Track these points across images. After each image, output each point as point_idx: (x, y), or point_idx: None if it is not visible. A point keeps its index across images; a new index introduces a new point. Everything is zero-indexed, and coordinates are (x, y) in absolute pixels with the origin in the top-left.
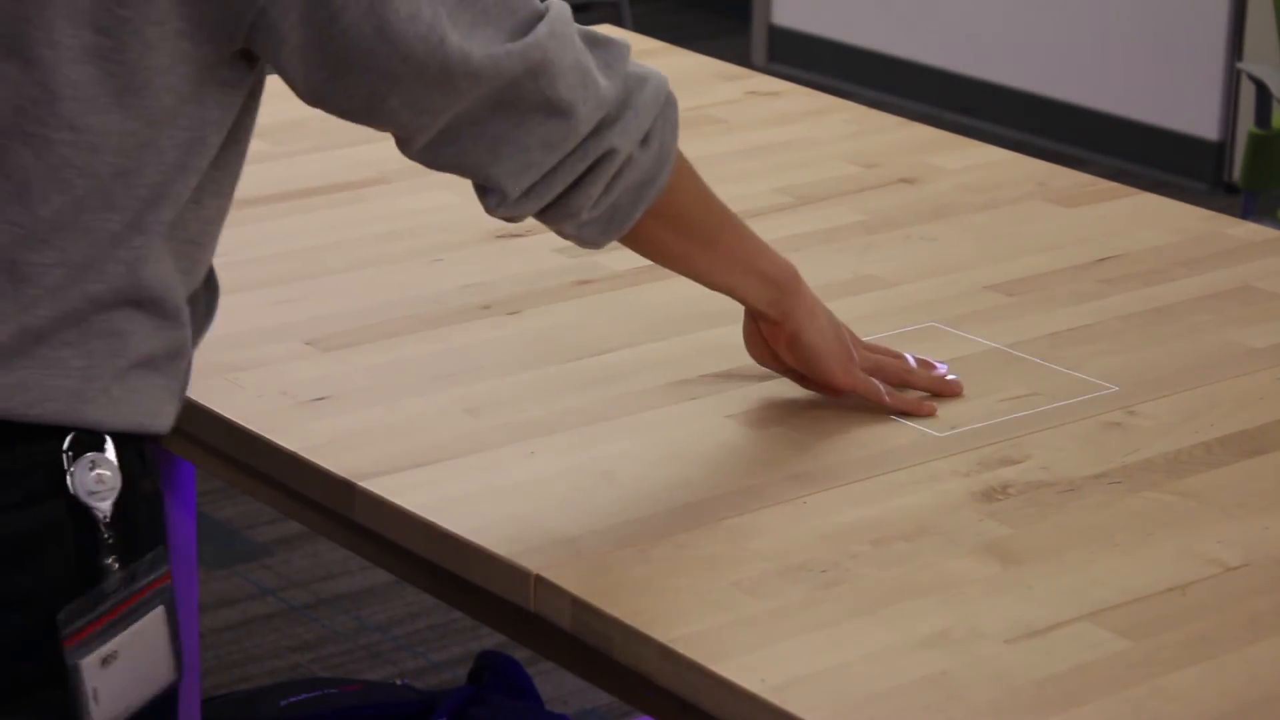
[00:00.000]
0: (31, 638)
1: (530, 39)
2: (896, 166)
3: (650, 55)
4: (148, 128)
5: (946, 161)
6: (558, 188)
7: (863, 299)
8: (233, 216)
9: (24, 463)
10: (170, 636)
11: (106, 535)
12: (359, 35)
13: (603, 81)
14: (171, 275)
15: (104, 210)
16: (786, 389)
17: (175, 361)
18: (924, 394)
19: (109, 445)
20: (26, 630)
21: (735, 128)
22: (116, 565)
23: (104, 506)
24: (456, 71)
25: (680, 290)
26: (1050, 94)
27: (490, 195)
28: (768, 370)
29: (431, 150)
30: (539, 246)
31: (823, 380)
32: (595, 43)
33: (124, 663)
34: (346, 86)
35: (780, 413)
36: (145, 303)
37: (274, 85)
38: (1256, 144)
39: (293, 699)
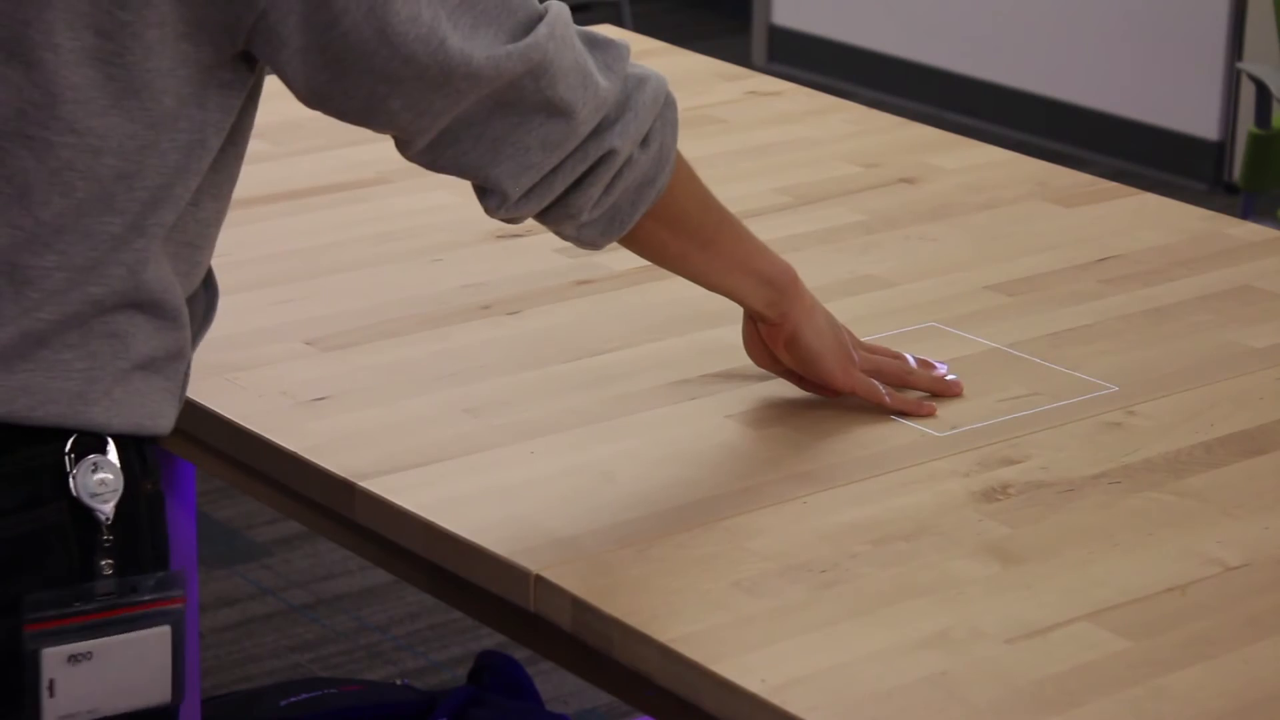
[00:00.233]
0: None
1: (530, 40)
2: (896, 166)
3: (650, 55)
4: (148, 130)
5: (946, 161)
6: (558, 189)
7: (863, 299)
8: (233, 216)
9: (27, 465)
10: (172, 659)
11: (106, 537)
12: (359, 38)
13: (603, 82)
14: (171, 277)
15: (105, 213)
16: (786, 389)
17: (175, 363)
18: (924, 394)
19: (111, 447)
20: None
21: (735, 128)
22: (111, 568)
23: (106, 509)
24: (457, 73)
25: (680, 290)
26: (1050, 94)
27: (490, 197)
28: (767, 371)
29: (431, 152)
30: (539, 246)
31: (821, 381)
32: (595, 44)
33: (98, 667)
34: (346, 88)
35: (780, 413)
36: (146, 305)
37: (274, 85)
38: (1256, 144)
39: (293, 699)
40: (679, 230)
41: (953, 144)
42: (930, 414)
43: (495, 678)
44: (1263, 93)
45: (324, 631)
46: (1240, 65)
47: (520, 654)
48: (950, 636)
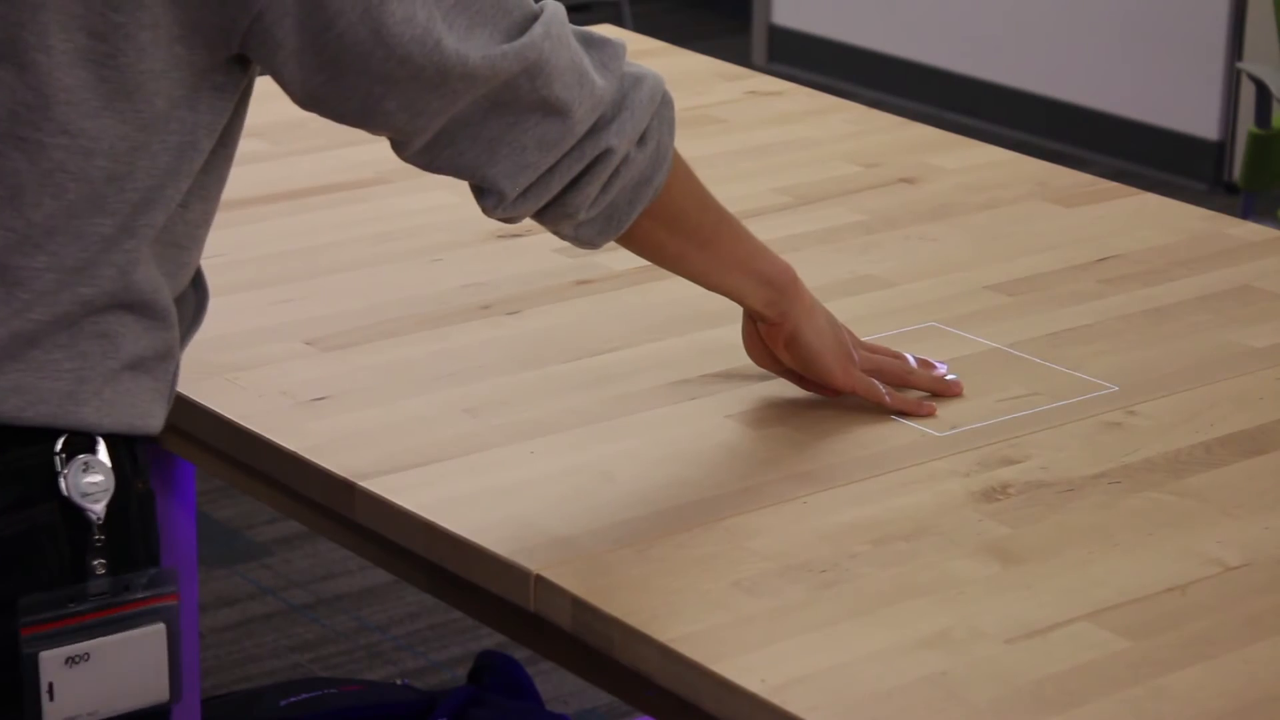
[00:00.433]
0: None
1: (526, 39)
2: (896, 166)
3: (650, 55)
4: (139, 132)
5: (946, 161)
6: (555, 188)
7: (863, 299)
8: (233, 216)
9: (17, 466)
10: (169, 656)
11: (98, 537)
12: (355, 39)
13: (599, 81)
14: (159, 278)
15: (95, 214)
16: (786, 389)
17: (164, 363)
18: (924, 394)
19: (101, 447)
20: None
21: (735, 128)
22: (104, 568)
23: (97, 509)
24: (453, 74)
25: (680, 290)
26: (1050, 94)
27: (487, 196)
28: (767, 371)
29: (428, 153)
30: (539, 246)
31: (821, 381)
32: (590, 43)
33: (96, 668)
34: (342, 90)
35: (780, 413)
36: (135, 305)
37: (274, 85)
38: (1256, 144)
39: (293, 699)
40: (677, 229)
41: (953, 144)
42: (930, 414)
43: (495, 678)
44: (1263, 93)
45: (324, 631)
46: (1240, 65)
47: (520, 654)
48: (950, 636)
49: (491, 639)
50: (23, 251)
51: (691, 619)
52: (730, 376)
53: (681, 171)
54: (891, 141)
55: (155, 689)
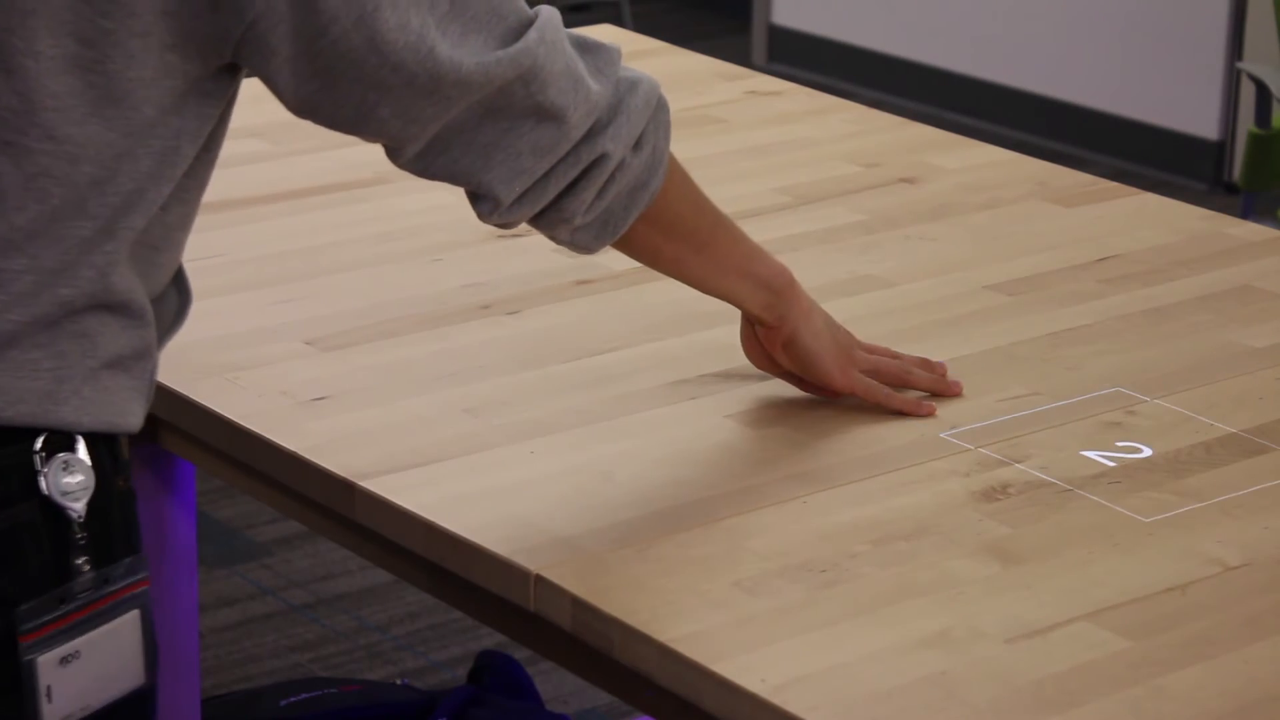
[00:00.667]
0: (7, 639)
1: (520, 45)
2: (896, 166)
3: (650, 55)
4: (125, 138)
5: (946, 161)
6: (551, 193)
7: (863, 299)
8: (233, 216)
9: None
10: (144, 641)
11: (80, 535)
12: (348, 46)
13: (594, 86)
14: (135, 278)
15: (77, 218)
16: (786, 389)
17: (142, 361)
18: (923, 394)
19: (81, 446)
20: (2, 632)
21: (735, 128)
22: (88, 566)
23: (78, 507)
24: (447, 80)
25: (680, 290)
26: (1050, 94)
27: (483, 202)
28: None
29: (422, 160)
30: (539, 246)
31: (820, 383)
32: (585, 48)
33: (86, 663)
34: (336, 97)
35: (780, 413)
36: (114, 305)
37: None
38: (1256, 144)
39: (293, 699)
40: (673, 234)
41: (953, 144)
42: (930, 414)
43: (495, 678)
44: (1263, 93)
45: (324, 631)
46: (1240, 65)
47: (520, 654)
48: (950, 636)
49: (491, 639)
50: (2, 254)
51: (691, 619)
52: (730, 376)
53: (677, 175)
54: (891, 141)
55: (132, 675)
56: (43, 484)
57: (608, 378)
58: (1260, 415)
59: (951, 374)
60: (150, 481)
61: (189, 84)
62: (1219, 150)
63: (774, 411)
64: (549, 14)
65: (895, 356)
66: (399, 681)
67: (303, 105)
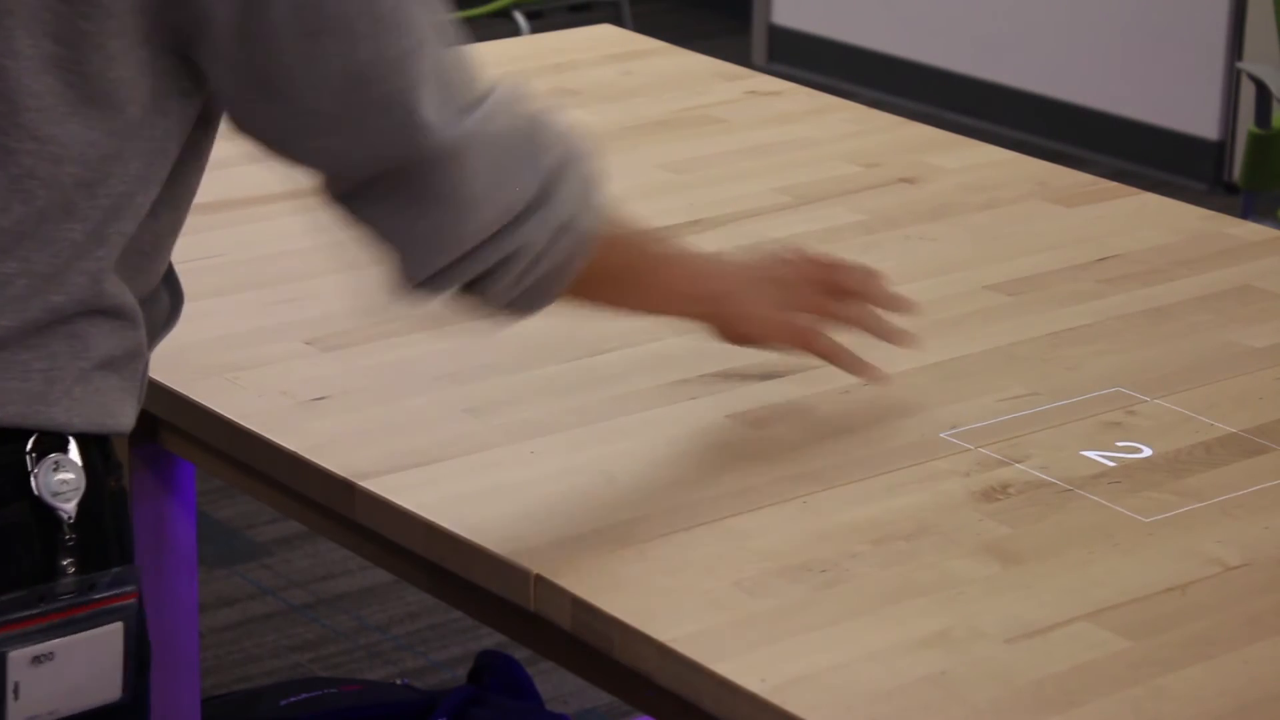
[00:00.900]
0: None
1: (458, 129)
2: (896, 166)
3: (650, 55)
4: (110, 138)
5: (946, 161)
6: (466, 277)
7: None
8: (234, 216)
9: None
10: (124, 656)
11: (69, 536)
12: (288, 64)
13: (523, 177)
14: (126, 283)
15: (66, 220)
16: (786, 389)
17: (133, 362)
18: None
19: (72, 446)
20: None
21: (735, 128)
22: (74, 568)
23: (68, 508)
24: (401, 132)
25: None
26: (1050, 94)
27: (398, 273)
28: (767, 370)
29: (347, 203)
30: None
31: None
32: (529, 132)
33: (59, 667)
34: (271, 114)
35: (780, 413)
36: (107, 310)
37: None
38: (1256, 144)
39: (293, 699)
40: (606, 289)
41: (953, 144)
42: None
43: (495, 678)
44: (1263, 93)
45: (324, 631)
46: (1240, 65)
47: (520, 654)
48: (950, 636)
49: (491, 639)
50: None
51: (691, 619)
52: (730, 376)
53: (610, 237)
54: (891, 141)
55: (108, 688)
56: (33, 484)
57: (608, 378)
58: (1260, 415)
59: (951, 374)
60: (150, 481)
61: (163, 80)
62: (1219, 150)
63: (774, 411)
64: (501, 97)
65: (829, 275)
66: (399, 681)
67: (238, 116)
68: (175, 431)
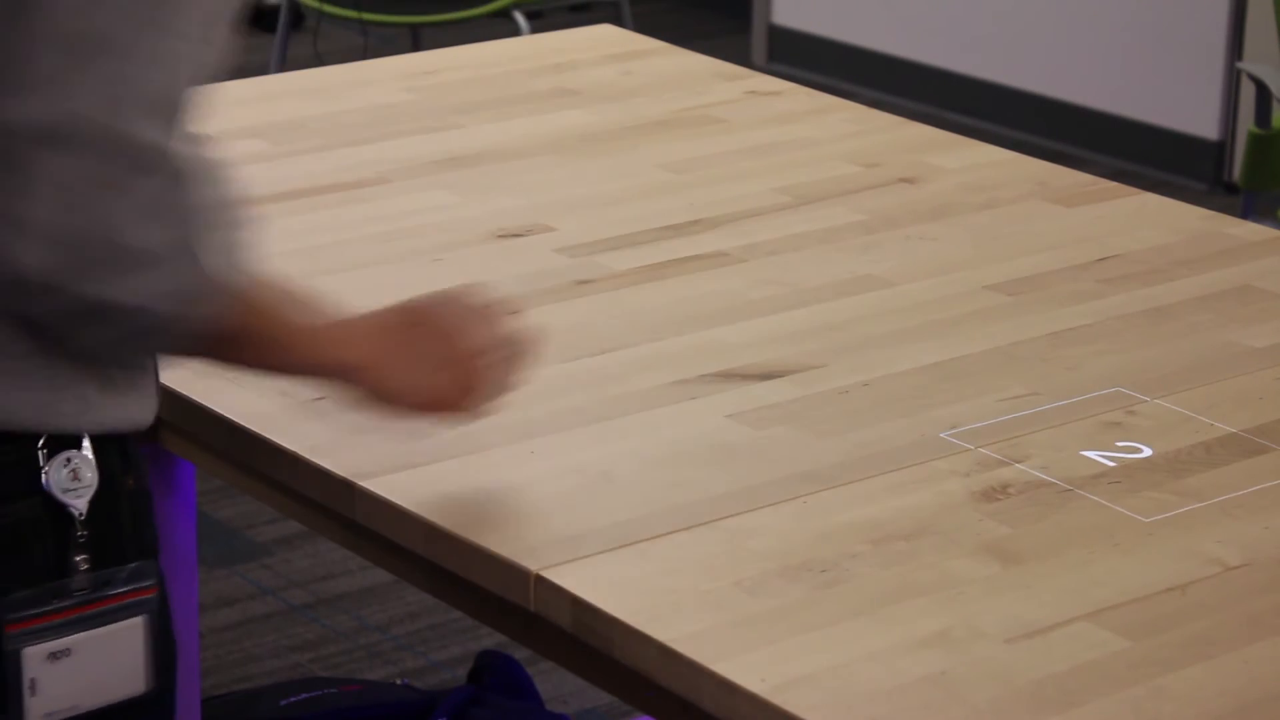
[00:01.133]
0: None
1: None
2: (896, 166)
3: (650, 55)
4: None
5: (946, 161)
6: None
7: (863, 299)
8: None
9: (1, 461)
10: (149, 648)
11: (81, 533)
12: None
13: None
14: None
15: None
16: (786, 389)
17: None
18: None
19: (86, 443)
20: None
21: (735, 128)
22: (87, 564)
23: (79, 505)
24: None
25: (680, 290)
26: (1050, 94)
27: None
28: (768, 370)
29: None
30: (539, 246)
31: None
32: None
33: (79, 662)
34: None
35: (780, 413)
36: None
37: (275, 85)
38: (1256, 144)
39: (293, 699)
40: (236, 351)
41: (953, 144)
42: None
43: (495, 678)
44: (1263, 93)
45: (324, 631)
46: (1240, 65)
47: (520, 654)
48: (950, 636)
49: (491, 639)
50: None
51: (691, 619)
52: (730, 376)
53: (246, 297)
54: (891, 141)
55: (132, 681)
56: (45, 480)
57: (608, 378)
58: (1260, 415)
59: (951, 374)
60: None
61: None
62: (1219, 150)
63: (774, 411)
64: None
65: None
66: (399, 681)
67: None
68: (175, 431)
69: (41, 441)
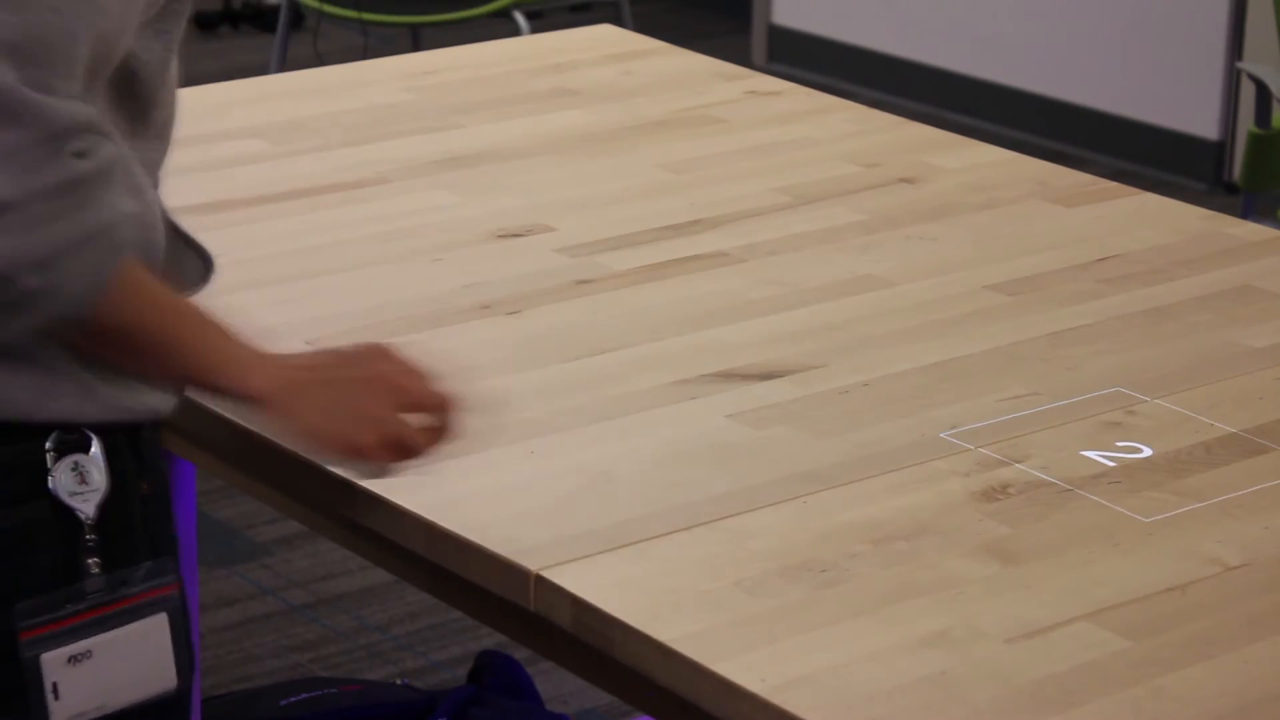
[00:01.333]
0: (9, 637)
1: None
2: (896, 166)
3: (650, 55)
4: None
5: (946, 161)
6: None
7: (863, 299)
8: (233, 216)
9: (7, 463)
10: (173, 644)
11: (90, 537)
12: None
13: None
14: None
15: None
16: (786, 389)
17: None
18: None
19: (95, 446)
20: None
21: (735, 128)
22: (98, 567)
23: (87, 508)
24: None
25: (680, 290)
26: (1050, 94)
27: None
28: (768, 370)
29: None
30: (539, 246)
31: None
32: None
33: (101, 664)
34: None
35: (780, 413)
36: None
37: (275, 85)
38: (1256, 144)
39: (293, 699)
40: (133, 351)
41: (953, 144)
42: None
43: (495, 678)
44: (1263, 93)
45: (324, 631)
46: (1240, 65)
47: (520, 654)
48: (950, 636)
49: (491, 639)
50: None
51: (691, 619)
52: (730, 376)
53: (155, 295)
54: (891, 141)
55: (161, 678)
56: (51, 484)
57: (608, 378)
58: (1260, 415)
59: (951, 374)
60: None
61: None
62: (1219, 150)
63: (774, 411)
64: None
65: (403, 383)
66: (399, 681)
67: None
68: (175, 431)
69: (49, 444)
